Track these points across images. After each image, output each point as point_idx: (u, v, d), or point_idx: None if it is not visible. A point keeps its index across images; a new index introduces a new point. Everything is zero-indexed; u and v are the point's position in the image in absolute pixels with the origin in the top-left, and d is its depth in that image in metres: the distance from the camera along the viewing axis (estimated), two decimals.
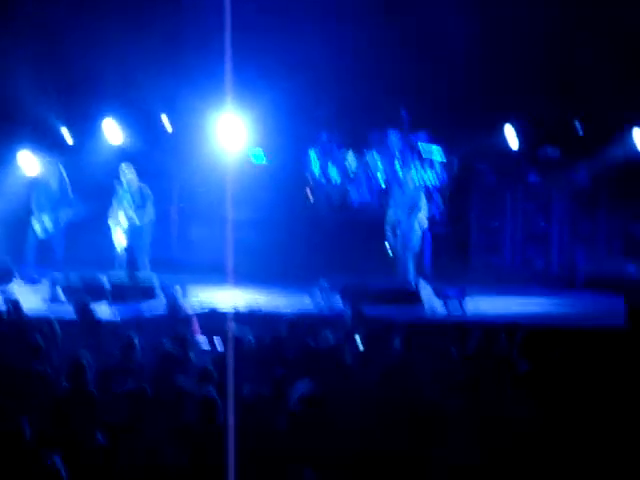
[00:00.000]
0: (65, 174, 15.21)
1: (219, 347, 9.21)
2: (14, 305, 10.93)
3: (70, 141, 17.30)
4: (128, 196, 14.21)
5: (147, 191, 14.31)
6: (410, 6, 14.56)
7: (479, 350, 8.81)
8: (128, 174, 14.26)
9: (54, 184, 15.07)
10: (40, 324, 9.93)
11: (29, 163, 16.17)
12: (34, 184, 15.43)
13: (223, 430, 6.33)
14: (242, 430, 5.87)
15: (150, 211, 14.29)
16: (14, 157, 16.31)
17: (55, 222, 14.91)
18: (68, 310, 11.56)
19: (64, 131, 17.35)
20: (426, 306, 12.47)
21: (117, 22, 15.77)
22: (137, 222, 14.14)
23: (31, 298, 13.17)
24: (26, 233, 15.15)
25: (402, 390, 7.77)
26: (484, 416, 7.16)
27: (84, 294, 12.40)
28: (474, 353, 8.80)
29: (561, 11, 13.90)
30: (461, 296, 12.55)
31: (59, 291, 13.29)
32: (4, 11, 16.11)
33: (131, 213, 14.13)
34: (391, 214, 13.84)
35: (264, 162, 16.65)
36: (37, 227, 14.92)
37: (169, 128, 16.98)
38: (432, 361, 8.56)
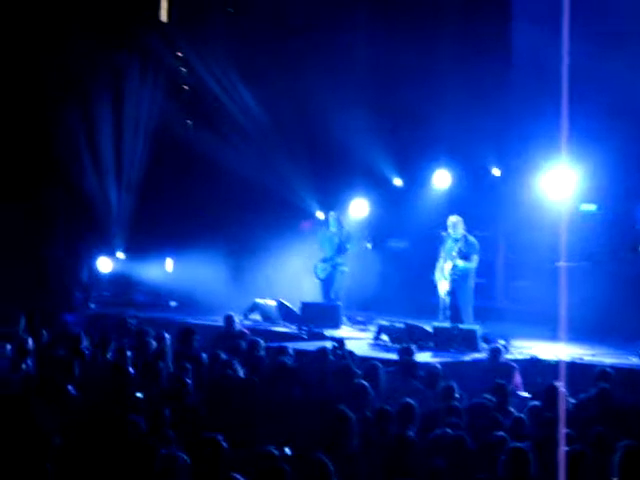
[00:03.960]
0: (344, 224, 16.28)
1: (536, 400, 9.06)
2: (340, 346, 11.33)
3: (399, 186, 18.00)
4: (455, 246, 14.29)
5: (474, 242, 14.36)
6: None
7: None
8: (457, 225, 14.36)
9: (336, 232, 16.08)
10: (364, 366, 10.20)
11: (359, 208, 17.08)
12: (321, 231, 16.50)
13: None
14: None
15: (475, 262, 14.32)
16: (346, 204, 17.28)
17: (332, 268, 16.04)
18: (391, 355, 11.86)
19: (395, 179, 18.06)
20: None
21: (449, 76, 16.20)
22: (461, 272, 14.21)
23: (357, 341, 13.63)
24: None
25: None
26: None
27: (408, 340, 12.65)
28: None
29: None
30: None
31: (384, 336, 13.63)
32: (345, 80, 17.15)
33: (457, 263, 14.22)
34: None
35: (594, 211, 16.30)
36: (318, 271, 16.16)
37: (497, 175, 17.14)
38: None
